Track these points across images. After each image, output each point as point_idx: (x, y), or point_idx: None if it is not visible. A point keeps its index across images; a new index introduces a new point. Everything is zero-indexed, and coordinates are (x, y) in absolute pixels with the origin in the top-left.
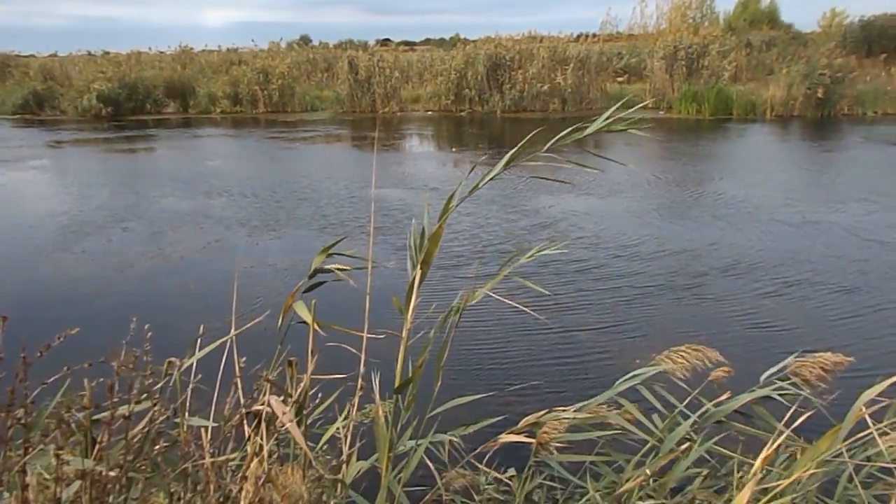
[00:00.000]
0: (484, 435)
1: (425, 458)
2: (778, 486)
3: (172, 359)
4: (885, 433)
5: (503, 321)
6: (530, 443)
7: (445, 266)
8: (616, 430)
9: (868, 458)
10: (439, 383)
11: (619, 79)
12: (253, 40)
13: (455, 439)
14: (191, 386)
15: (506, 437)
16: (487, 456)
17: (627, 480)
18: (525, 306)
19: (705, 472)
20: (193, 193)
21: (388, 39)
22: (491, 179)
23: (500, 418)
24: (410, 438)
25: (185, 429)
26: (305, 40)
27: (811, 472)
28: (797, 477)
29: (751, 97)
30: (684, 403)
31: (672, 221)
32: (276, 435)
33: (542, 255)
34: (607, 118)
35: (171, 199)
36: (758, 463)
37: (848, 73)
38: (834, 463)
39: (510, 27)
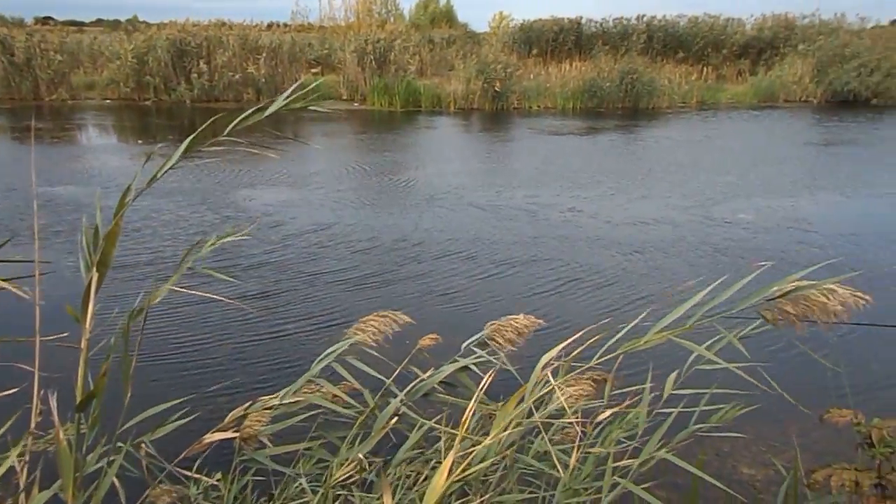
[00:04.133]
0: (192, 440)
1: (118, 477)
2: (474, 450)
3: None
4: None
5: (207, 321)
6: (236, 439)
7: (130, 268)
8: (323, 411)
9: (552, 415)
10: (129, 394)
11: (313, 70)
12: None
13: (150, 450)
14: None
15: (210, 437)
16: (198, 462)
17: (342, 461)
18: (232, 303)
19: (414, 444)
20: None
21: (49, 18)
22: (170, 168)
23: (199, 418)
24: (102, 457)
25: None
26: None
27: (505, 433)
28: (493, 439)
29: (437, 91)
30: (393, 377)
31: (372, 209)
32: None
33: (244, 253)
34: (286, 98)
35: None
36: (461, 431)
37: (515, 70)
38: (526, 422)
39: (196, 12)
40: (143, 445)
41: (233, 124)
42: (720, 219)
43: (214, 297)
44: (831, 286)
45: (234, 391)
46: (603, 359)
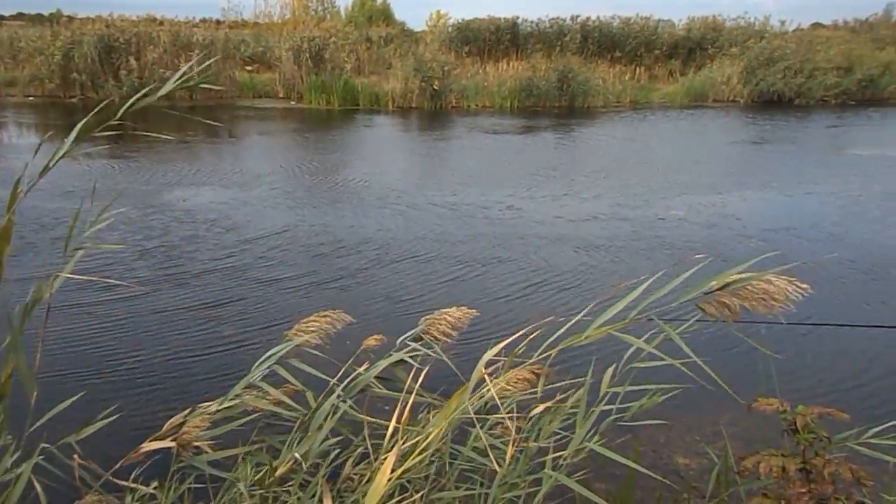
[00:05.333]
0: (129, 449)
1: (46, 487)
2: (416, 446)
3: None
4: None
5: (141, 323)
6: (174, 447)
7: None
8: (266, 415)
9: (490, 410)
10: (35, 393)
11: (248, 67)
12: None
13: (83, 461)
14: None
15: (148, 446)
16: (135, 471)
17: (280, 463)
18: (169, 304)
19: (357, 442)
20: None
21: None
22: (63, 157)
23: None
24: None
25: None
26: None
27: (443, 429)
28: (434, 436)
29: (375, 89)
30: (337, 377)
31: (311, 208)
32: None
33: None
34: (178, 78)
35: None
36: (401, 426)
37: (453, 69)
38: (460, 417)
39: (124, 7)
40: (75, 456)
41: (123, 108)
42: (654, 215)
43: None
44: (769, 277)
45: (174, 398)
46: (544, 354)
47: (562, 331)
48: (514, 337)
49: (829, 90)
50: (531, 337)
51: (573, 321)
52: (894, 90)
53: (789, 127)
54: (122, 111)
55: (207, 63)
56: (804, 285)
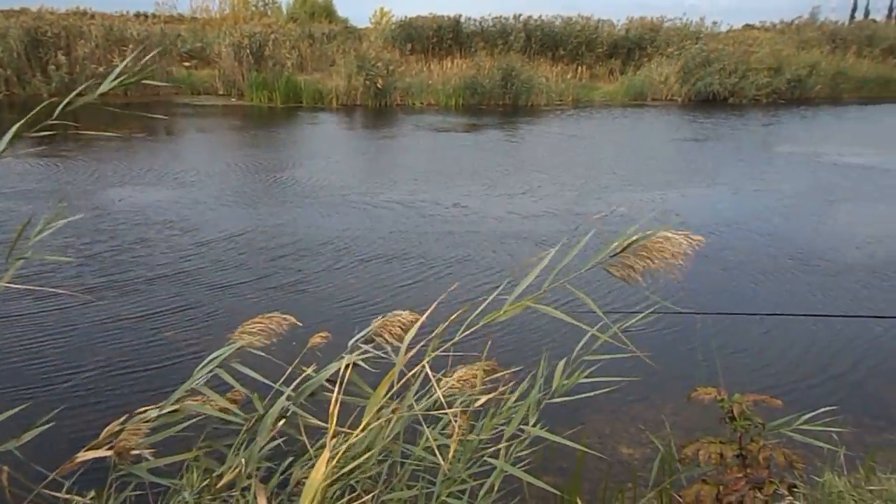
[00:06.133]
0: (64, 459)
1: None
2: (359, 445)
3: None
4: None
5: (86, 332)
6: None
7: None
8: (213, 420)
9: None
10: None
11: (186, 64)
12: None
13: (13, 473)
14: None
15: (84, 455)
16: (70, 481)
17: (225, 470)
18: (117, 312)
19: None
20: None
21: None
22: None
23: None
24: None
25: None
26: None
27: (376, 421)
28: (364, 428)
29: (318, 86)
30: (282, 381)
31: (246, 208)
32: None
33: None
34: (115, 78)
35: None
36: (332, 425)
37: (397, 67)
38: (406, 415)
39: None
40: (4, 468)
41: (60, 107)
42: (595, 212)
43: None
44: (666, 234)
45: (115, 409)
46: (468, 331)
47: (480, 308)
48: (426, 314)
49: (761, 90)
50: (453, 317)
51: (489, 299)
52: (820, 90)
53: (726, 125)
54: (59, 109)
55: (145, 59)
56: (698, 237)
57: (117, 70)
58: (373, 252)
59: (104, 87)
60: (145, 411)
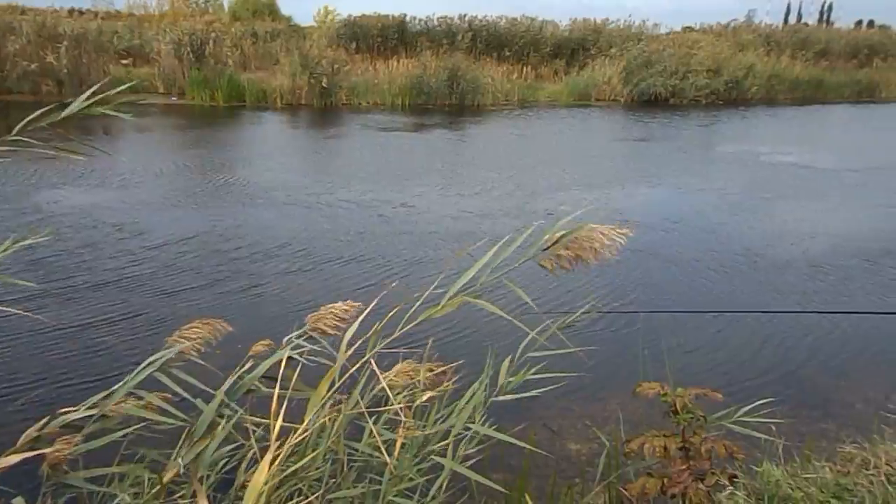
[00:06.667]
0: None
1: None
2: (303, 444)
3: None
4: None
5: (25, 343)
6: (44, 461)
7: None
8: (142, 423)
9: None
10: None
11: (124, 61)
12: None
13: None
14: None
15: (5, 461)
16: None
17: (164, 473)
18: (59, 321)
19: (248, 445)
20: None
21: None
22: None
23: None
24: None
25: None
26: None
27: (321, 418)
28: (308, 424)
29: (262, 86)
30: (228, 383)
31: (194, 209)
32: None
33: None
34: (88, 98)
35: None
36: (279, 423)
37: (343, 65)
38: (350, 412)
39: None
40: None
41: (25, 121)
42: (543, 211)
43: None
44: (594, 226)
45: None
46: (407, 327)
47: (418, 304)
48: (367, 310)
49: (701, 91)
50: (392, 312)
51: (425, 294)
52: (757, 91)
53: (668, 125)
54: (19, 126)
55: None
56: (625, 230)
57: (88, 93)
58: (329, 254)
59: (70, 110)
60: (66, 412)
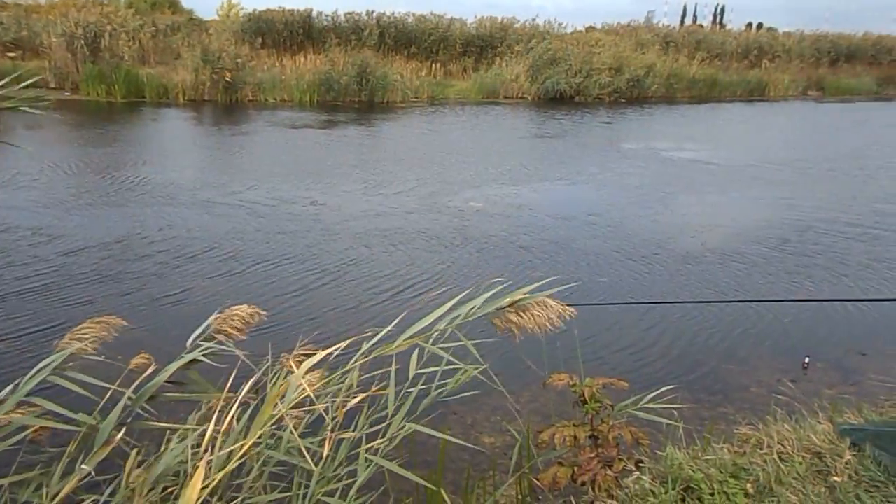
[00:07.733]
0: None
1: None
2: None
3: None
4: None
5: None
6: None
7: None
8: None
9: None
10: None
11: (11, 54)
12: None
13: None
14: None
15: None
16: None
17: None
18: None
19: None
20: None
21: None
22: None
23: None
24: None
25: None
26: None
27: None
28: (249, 441)
29: (162, 81)
30: (133, 389)
31: (86, 210)
32: None
33: None
34: None
35: None
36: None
37: (247, 61)
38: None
39: None
40: None
41: None
42: (454, 207)
43: None
44: (545, 299)
45: None
46: (360, 362)
47: (374, 341)
48: (332, 349)
49: (604, 89)
50: (344, 344)
51: (383, 332)
52: (657, 90)
53: (574, 123)
54: None
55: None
56: (570, 309)
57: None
58: (257, 255)
59: None
60: None
